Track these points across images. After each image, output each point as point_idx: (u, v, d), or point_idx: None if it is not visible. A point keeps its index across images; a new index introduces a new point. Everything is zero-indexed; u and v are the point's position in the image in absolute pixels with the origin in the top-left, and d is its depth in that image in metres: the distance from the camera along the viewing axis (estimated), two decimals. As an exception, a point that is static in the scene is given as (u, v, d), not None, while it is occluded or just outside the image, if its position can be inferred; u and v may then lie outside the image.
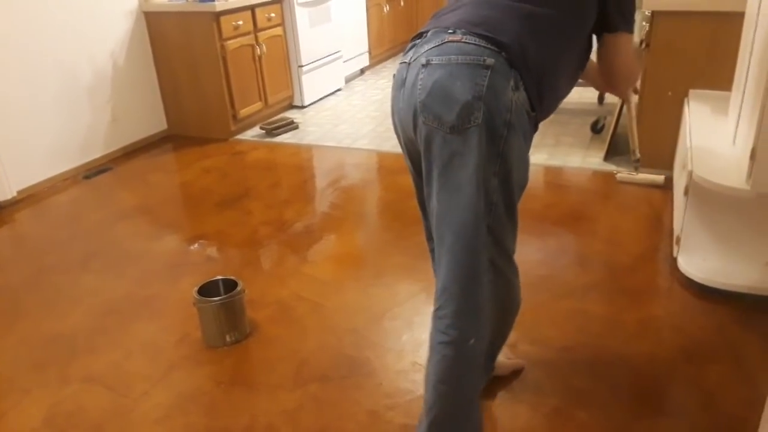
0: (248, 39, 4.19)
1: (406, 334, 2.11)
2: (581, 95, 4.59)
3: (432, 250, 1.53)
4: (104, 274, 2.61)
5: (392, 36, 6.18)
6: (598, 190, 3.15)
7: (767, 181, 1.99)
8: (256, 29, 4.24)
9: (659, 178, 3.11)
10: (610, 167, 3.37)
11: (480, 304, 1.37)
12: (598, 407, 1.76)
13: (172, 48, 4.11)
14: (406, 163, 1.53)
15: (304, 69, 4.72)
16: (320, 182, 3.56)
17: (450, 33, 1.29)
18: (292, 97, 4.81)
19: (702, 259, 2.28)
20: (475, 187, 1.27)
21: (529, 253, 2.55)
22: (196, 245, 2.80)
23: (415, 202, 1.58)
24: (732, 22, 2.71)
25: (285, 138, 4.21)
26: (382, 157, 3.78)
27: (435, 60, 1.28)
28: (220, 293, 2.11)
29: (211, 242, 2.82)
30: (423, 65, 1.29)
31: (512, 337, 2.02)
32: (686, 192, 2.25)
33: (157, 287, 2.48)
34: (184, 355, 2.07)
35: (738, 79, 2.44)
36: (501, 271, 1.45)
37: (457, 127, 1.25)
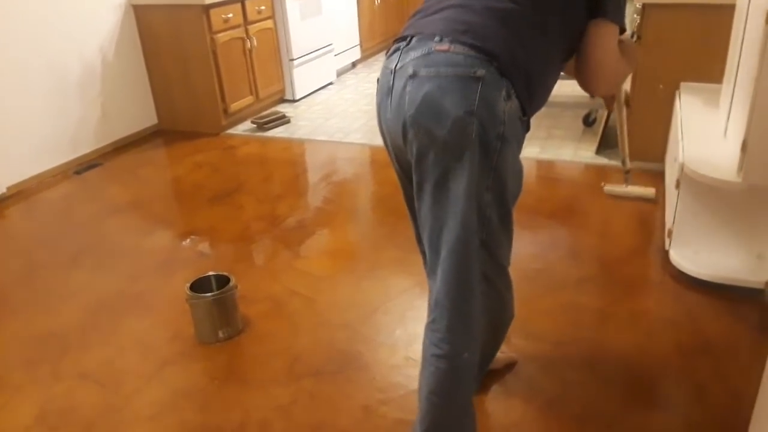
0: (238, 32, 4.16)
1: (399, 329, 2.11)
2: (573, 88, 4.58)
3: (423, 253, 1.51)
4: (95, 270, 2.59)
5: (383, 29, 6.15)
6: (590, 183, 3.15)
7: (758, 173, 1.99)
8: (246, 22, 4.21)
9: (650, 191, 2.91)
10: (602, 160, 3.38)
11: (472, 318, 1.37)
12: (591, 400, 1.77)
13: (162, 42, 4.08)
14: (393, 165, 1.49)
15: (295, 62, 4.69)
16: (312, 177, 3.55)
17: (437, 41, 1.25)
18: (283, 91, 4.78)
19: (694, 252, 2.29)
20: (468, 203, 1.25)
21: (522, 247, 2.56)
22: (187, 241, 2.79)
23: None
24: (722, 14, 2.71)
25: (276, 132, 4.19)
26: (375, 151, 3.77)
27: (423, 71, 1.23)
28: (212, 289, 2.10)
29: (203, 237, 2.80)
30: (410, 76, 1.25)
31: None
32: (678, 185, 2.26)
33: (148, 283, 2.47)
34: (176, 351, 2.06)
35: (729, 71, 2.44)
36: (494, 283, 1.44)
37: (449, 142, 1.23)
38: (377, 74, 1.41)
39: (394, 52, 1.33)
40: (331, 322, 2.17)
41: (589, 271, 2.38)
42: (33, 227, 3.03)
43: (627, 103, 2.02)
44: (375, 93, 1.40)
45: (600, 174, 3.22)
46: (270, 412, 1.79)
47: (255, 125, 4.27)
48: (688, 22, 2.89)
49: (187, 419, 1.78)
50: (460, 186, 1.24)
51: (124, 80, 4.05)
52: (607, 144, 3.54)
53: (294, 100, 4.82)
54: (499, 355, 1.85)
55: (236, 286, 2.11)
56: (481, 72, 1.20)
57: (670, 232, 2.35)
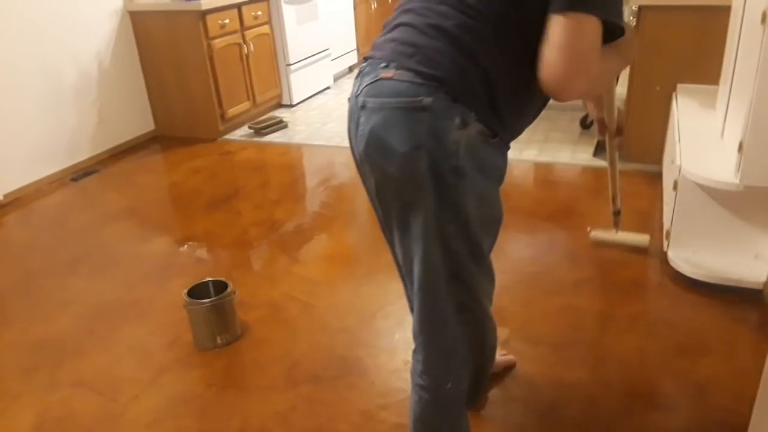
0: (235, 38, 4.16)
1: (398, 333, 2.11)
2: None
3: (402, 278, 1.46)
4: (92, 277, 2.59)
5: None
6: (588, 185, 3.15)
7: (755, 174, 1.99)
8: (243, 28, 4.22)
9: (644, 240, 2.48)
10: (599, 163, 3.38)
11: (450, 349, 1.32)
12: (590, 403, 1.76)
13: (158, 48, 4.08)
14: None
15: (292, 67, 4.69)
16: (310, 181, 3.55)
17: (383, 68, 1.15)
18: (280, 96, 4.78)
19: (692, 253, 2.29)
20: (431, 239, 1.18)
21: (520, 250, 2.55)
22: (185, 247, 2.78)
23: None
24: (718, 15, 2.72)
25: (274, 137, 4.19)
26: (372, 155, 3.76)
27: (370, 102, 1.15)
28: (210, 295, 2.09)
29: (201, 243, 2.80)
30: (361, 107, 1.18)
31: (504, 334, 2.03)
32: (675, 186, 2.25)
33: (146, 290, 2.46)
34: (174, 358, 2.05)
35: (725, 72, 2.45)
36: (473, 312, 1.36)
37: (400, 180, 1.15)
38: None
39: (357, 75, 1.25)
40: (329, 327, 2.17)
41: (588, 273, 2.37)
42: (30, 235, 3.02)
43: (620, 130, 1.69)
44: None
45: (598, 176, 3.22)
46: (268, 418, 1.78)
47: (252, 130, 4.27)
48: (685, 24, 2.90)
49: (185, 426, 1.77)
50: (420, 222, 1.17)
51: (120, 86, 4.05)
52: (604, 146, 3.54)
53: (291, 105, 4.82)
54: (498, 357, 1.84)
55: (234, 292, 2.10)
56: (427, 101, 1.09)
57: (668, 234, 2.35)
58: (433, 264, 1.21)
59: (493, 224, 1.29)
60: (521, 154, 3.50)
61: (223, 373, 1.97)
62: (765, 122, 1.91)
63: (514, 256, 2.51)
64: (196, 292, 2.09)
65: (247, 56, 4.28)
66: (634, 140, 3.13)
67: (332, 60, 5.28)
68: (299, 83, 4.83)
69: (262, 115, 4.54)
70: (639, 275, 2.35)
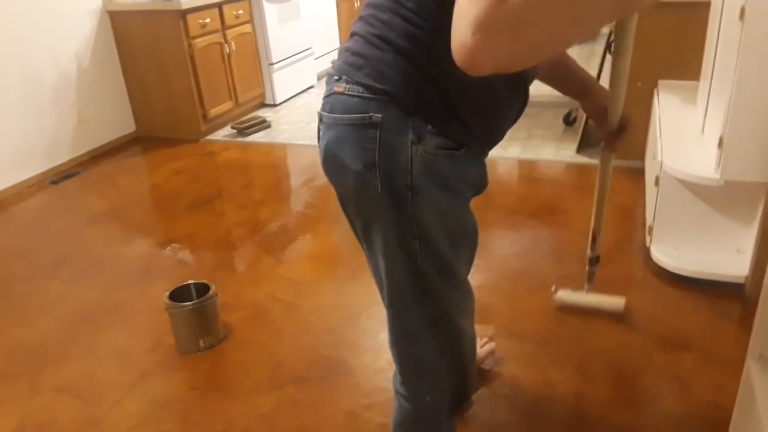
0: (216, 37, 4.13)
1: (383, 333, 2.09)
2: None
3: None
4: (73, 280, 2.55)
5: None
6: (571, 182, 3.16)
7: (736, 169, 2.01)
8: (224, 27, 4.18)
9: (618, 303, 2.08)
10: (583, 159, 3.39)
11: (424, 363, 1.30)
12: (575, 399, 1.77)
13: (139, 48, 4.04)
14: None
15: (275, 67, 4.67)
16: (294, 181, 3.53)
17: (336, 81, 1.10)
18: (263, 96, 4.75)
19: (674, 248, 2.30)
20: (395, 256, 1.14)
21: (505, 247, 2.56)
22: (167, 249, 2.75)
23: None
24: (698, 12, 2.74)
25: (257, 137, 4.16)
26: (356, 154, 3.75)
27: (325, 118, 1.12)
28: (192, 297, 2.07)
29: (183, 245, 2.77)
30: (320, 121, 1.14)
31: (489, 331, 2.03)
32: (657, 182, 2.27)
33: (127, 293, 2.43)
34: (156, 361, 2.03)
35: (705, 68, 2.46)
36: (448, 327, 1.29)
37: (357, 198, 1.12)
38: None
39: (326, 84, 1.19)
40: (314, 327, 2.15)
41: (571, 269, 2.38)
42: (9, 239, 2.97)
43: (625, 125, 1.34)
44: None
45: (581, 172, 3.23)
46: (252, 420, 1.76)
47: (235, 130, 4.24)
48: (665, 20, 2.92)
49: (168, 430, 1.75)
50: (382, 237, 1.13)
51: (100, 87, 4.00)
52: (587, 143, 3.56)
53: (275, 105, 4.80)
54: (478, 349, 1.82)
55: (216, 294, 2.08)
56: (377, 117, 1.03)
57: (650, 229, 2.36)
58: (399, 280, 1.17)
59: (464, 239, 1.22)
60: (505, 152, 3.51)
61: (206, 376, 1.95)
62: (744, 117, 1.92)
63: (499, 253, 2.51)
64: (178, 294, 2.07)
65: (229, 56, 4.24)
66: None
67: (315, 59, 5.26)
68: (282, 82, 4.81)
69: (245, 115, 4.51)
70: (622, 270, 2.36)
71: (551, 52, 0.84)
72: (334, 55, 5.64)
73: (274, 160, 3.81)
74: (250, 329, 2.16)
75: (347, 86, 1.07)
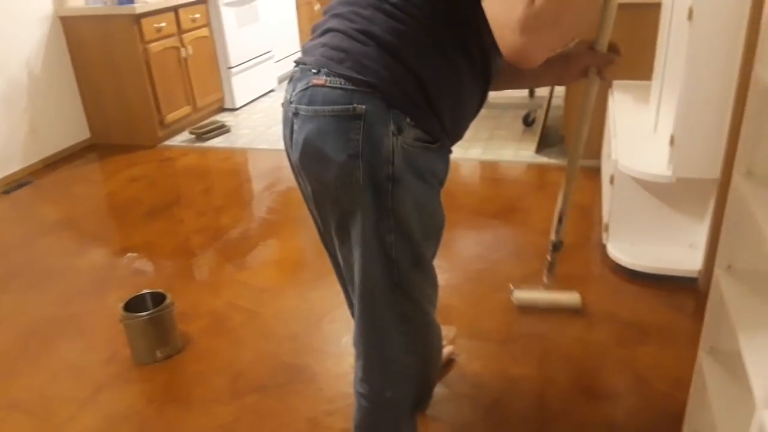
0: (172, 41, 4.06)
1: (345, 336, 2.08)
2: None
3: (344, 287, 1.45)
4: (25, 293, 2.47)
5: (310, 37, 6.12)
6: (531, 182, 3.20)
7: (687, 166, 2.06)
8: (181, 31, 4.11)
9: (574, 298, 2.13)
10: (542, 159, 3.43)
11: (390, 359, 1.30)
12: (536, 396, 1.78)
13: (92, 53, 3.94)
14: (304, 200, 1.33)
15: (234, 70, 4.61)
16: (256, 186, 3.48)
17: (314, 74, 1.12)
18: (222, 100, 4.69)
19: (630, 245, 2.34)
20: (371, 248, 1.16)
21: (466, 248, 2.57)
22: (123, 258, 2.68)
23: None
24: (650, 12, 2.80)
25: (216, 142, 4.10)
26: (317, 157, 3.72)
27: (302, 111, 1.12)
28: (148, 308, 2.02)
29: (140, 254, 2.71)
30: (294, 114, 1.14)
31: (452, 332, 2.03)
32: (612, 180, 2.30)
33: (81, 305, 2.36)
34: (112, 374, 1.97)
35: (657, 68, 2.52)
36: (415, 323, 1.31)
37: (338, 188, 1.13)
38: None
39: (289, 80, 1.21)
40: (275, 334, 2.12)
41: (532, 267, 2.40)
42: (-44, 251, 2.86)
43: (616, 49, 1.46)
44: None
45: (541, 173, 3.27)
46: (212, 431, 1.72)
47: (193, 136, 4.17)
48: (618, 21, 2.94)
49: (125, 445, 1.70)
50: (359, 230, 1.15)
51: (53, 94, 3.89)
52: (545, 143, 3.61)
53: (234, 109, 4.74)
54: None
55: (173, 303, 2.04)
56: (360, 108, 1.06)
57: (606, 227, 2.40)
58: (373, 273, 1.18)
59: (434, 230, 1.25)
60: (466, 153, 3.53)
61: (164, 388, 1.91)
62: (693, 115, 1.97)
63: (461, 254, 2.52)
64: (134, 305, 2.02)
65: (186, 60, 4.18)
66: (573, 136, 3.19)
67: (276, 62, 5.22)
68: (242, 86, 4.75)
69: (203, 120, 4.45)
70: (581, 268, 2.39)
71: (588, 17, 0.99)
72: (296, 58, 5.60)
73: (234, 165, 3.76)
74: (209, 338, 2.12)
75: (328, 78, 1.09)
